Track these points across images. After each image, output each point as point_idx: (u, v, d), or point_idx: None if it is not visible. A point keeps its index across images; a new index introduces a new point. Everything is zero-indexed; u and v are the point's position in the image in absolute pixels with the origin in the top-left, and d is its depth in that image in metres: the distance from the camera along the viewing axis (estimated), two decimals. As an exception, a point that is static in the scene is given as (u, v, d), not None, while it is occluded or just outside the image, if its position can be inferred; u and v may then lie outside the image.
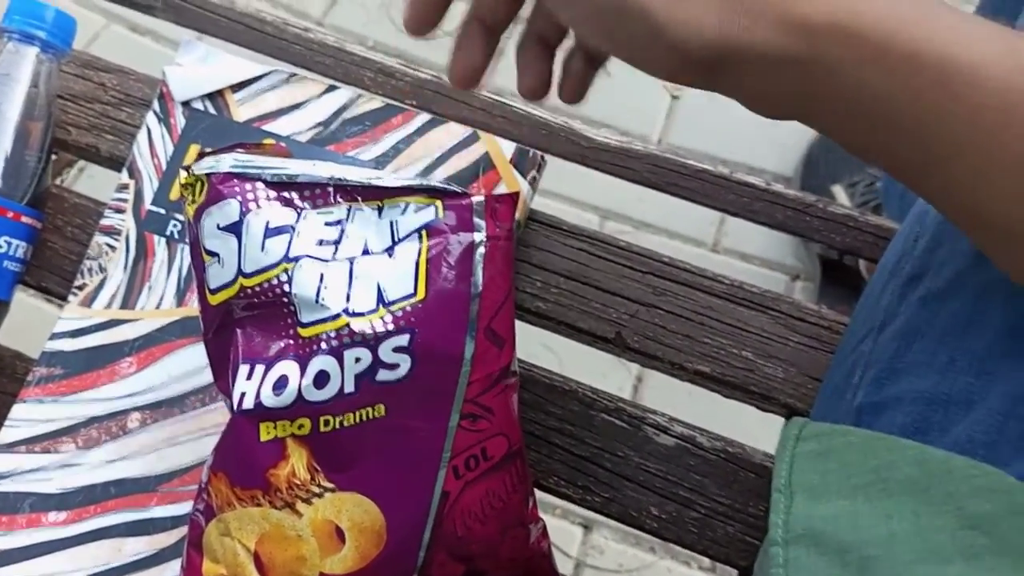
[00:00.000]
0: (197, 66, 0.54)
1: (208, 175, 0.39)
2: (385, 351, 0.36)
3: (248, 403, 0.36)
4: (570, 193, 1.09)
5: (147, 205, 0.51)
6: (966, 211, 0.30)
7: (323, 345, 0.36)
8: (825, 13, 0.28)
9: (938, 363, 0.34)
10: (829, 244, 0.56)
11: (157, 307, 0.49)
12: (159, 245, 0.50)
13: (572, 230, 0.54)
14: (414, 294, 0.37)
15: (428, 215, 0.39)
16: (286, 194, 0.39)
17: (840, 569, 0.28)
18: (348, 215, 0.39)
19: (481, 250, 0.39)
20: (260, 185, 0.39)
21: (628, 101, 1.12)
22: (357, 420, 0.37)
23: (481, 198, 0.39)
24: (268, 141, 0.44)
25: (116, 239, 0.51)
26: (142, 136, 0.53)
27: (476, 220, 0.39)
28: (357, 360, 0.36)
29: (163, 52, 1.18)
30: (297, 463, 0.37)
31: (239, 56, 0.55)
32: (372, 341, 0.36)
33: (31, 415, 0.48)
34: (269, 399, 0.36)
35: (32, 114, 0.52)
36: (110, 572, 0.44)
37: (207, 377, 0.48)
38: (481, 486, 0.39)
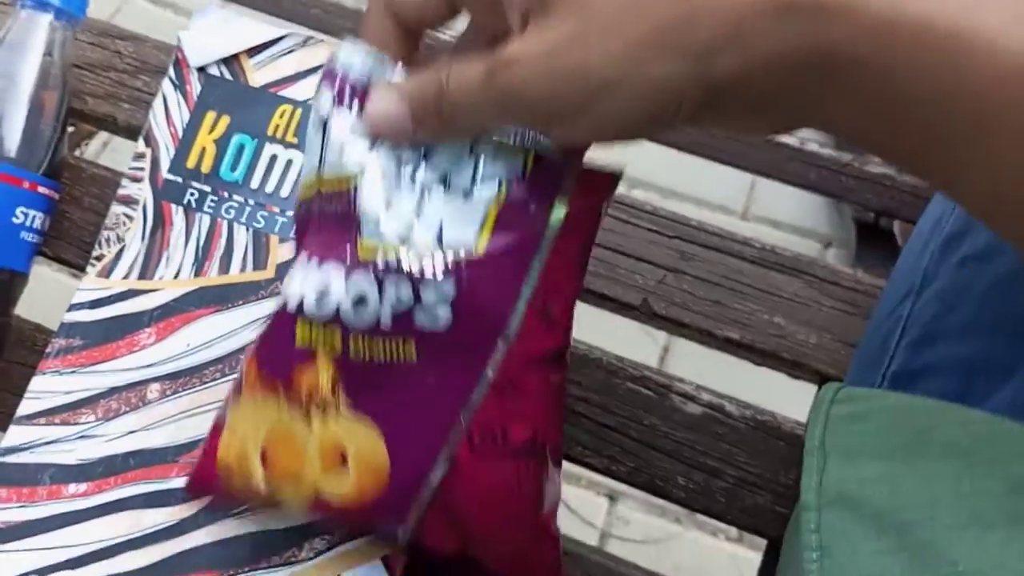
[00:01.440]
0: (212, 31, 0.53)
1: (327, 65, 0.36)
2: (428, 294, 0.34)
3: (293, 304, 0.36)
4: (597, 160, 1.08)
5: (164, 174, 0.50)
6: (990, 202, 0.27)
7: (369, 268, 0.35)
8: None
9: (979, 327, 0.32)
10: (864, 205, 0.54)
11: (175, 277, 0.48)
12: (176, 214, 0.49)
13: (596, 194, 0.52)
14: (473, 246, 0.35)
15: (516, 165, 0.36)
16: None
17: (877, 534, 0.26)
18: (433, 152, 0.36)
19: (558, 223, 0.35)
20: (360, 85, 0.36)
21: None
22: (386, 356, 0.35)
23: (578, 166, 0.36)
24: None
25: (133, 209, 0.50)
26: (158, 104, 0.52)
27: (563, 187, 0.35)
28: (398, 295, 0.35)
29: (182, 23, 1.17)
30: (323, 376, 0.36)
31: (256, 21, 0.54)
32: (417, 280, 0.34)
33: (51, 387, 0.47)
34: (311, 306, 0.35)
35: (47, 83, 0.51)
36: (130, 543, 0.44)
37: (226, 347, 0.47)
38: (495, 468, 0.37)
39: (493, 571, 0.39)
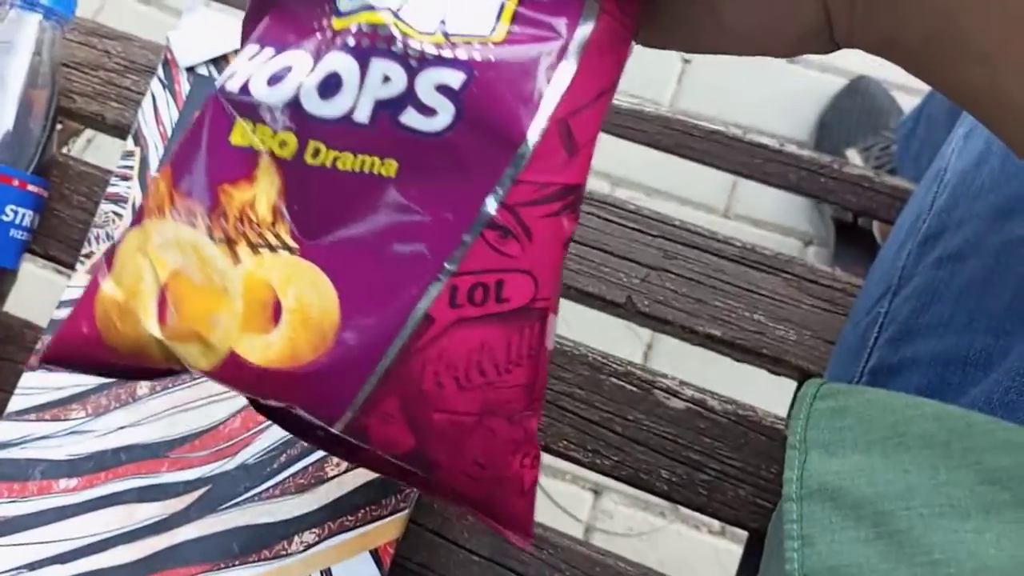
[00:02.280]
0: (201, 32, 0.53)
1: None
2: (425, 84, 0.26)
3: (233, 85, 0.27)
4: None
5: (153, 172, 0.51)
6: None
7: (349, 40, 0.26)
8: None
9: (956, 324, 0.33)
10: (843, 205, 0.55)
11: (164, 274, 0.49)
12: (165, 212, 0.50)
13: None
14: (489, 35, 0.27)
15: None
16: None
17: (855, 523, 0.27)
18: None
19: (589, 24, 0.28)
20: None
21: (638, 66, 1.11)
22: (356, 167, 0.27)
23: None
24: None
25: (122, 206, 0.50)
26: (147, 103, 0.52)
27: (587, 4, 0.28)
28: (385, 79, 0.26)
29: (168, 21, 1.17)
30: (261, 193, 0.27)
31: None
32: (414, 61, 0.26)
33: (41, 383, 0.48)
34: (259, 88, 0.27)
35: (36, 82, 0.51)
36: (122, 536, 0.44)
37: (216, 344, 0.47)
38: (477, 333, 0.27)
39: (445, 487, 0.30)
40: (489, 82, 0.26)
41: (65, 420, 0.47)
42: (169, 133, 0.51)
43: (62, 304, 0.49)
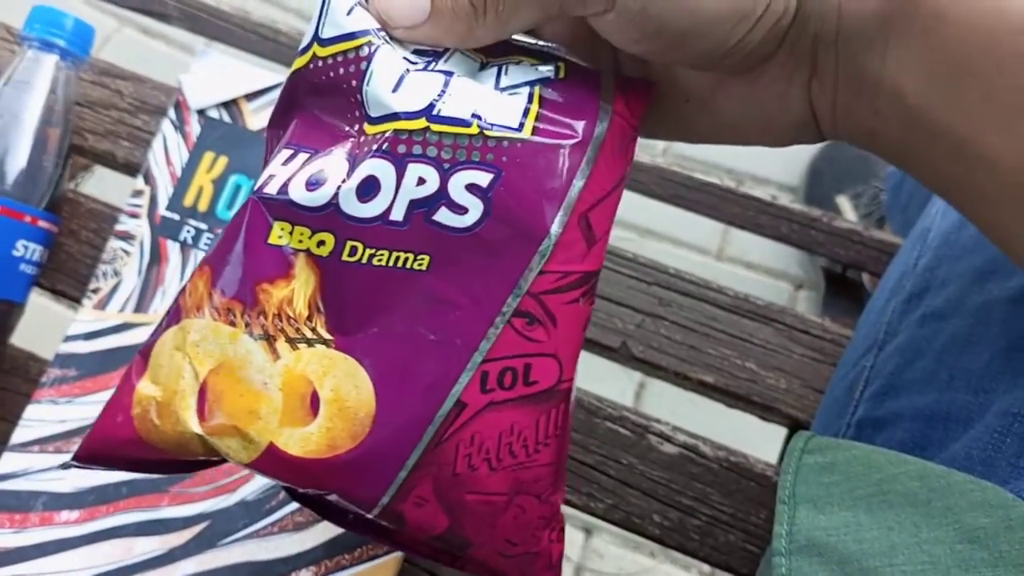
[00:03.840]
0: (212, 75, 0.55)
1: None
2: (457, 185, 0.28)
3: (271, 188, 0.28)
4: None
5: (161, 211, 0.52)
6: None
7: (385, 146, 0.28)
8: None
9: (937, 381, 0.34)
10: (833, 258, 0.57)
11: (170, 311, 0.50)
12: (173, 250, 0.51)
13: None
14: (518, 130, 0.28)
15: (547, 71, 0.30)
16: None
17: None
18: (447, 53, 0.30)
19: (603, 125, 0.30)
20: None
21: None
22: (391, 263, 0.28)
23: (612, 73, 0.31)
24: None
25: (131, 244, 0.52)
26: (158, 143, 0.53)
27: (603, 91, 0.30)
28: (420, 181, 0.28)
29: (175, 56, 1.19)
30: (299, 290, 0.29)
31: (254, 65, 0.56)
32: (447, 165, 0.28)
33: (45, 415, 0.49)
34: (298, 192, 0.28)
35: (50, 120, 0.52)
36: (121, 571, 0.45)
37: (219, 381, 0.48)
38: (507, 415, 0.29)
39: (478, 564, 0.32)
40: (515, 181, 0.28)
41: (68, 453, 0.48)
42: (179, 173, 0.53)
43: (68, 338, 0.50)
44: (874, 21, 0.27)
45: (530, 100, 0.29)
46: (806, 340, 0.53)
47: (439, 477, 0.29)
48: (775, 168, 1.15)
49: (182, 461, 0.31)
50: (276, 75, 0.55)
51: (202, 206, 0.52)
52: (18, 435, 0.48)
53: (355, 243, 0.28)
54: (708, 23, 0.27)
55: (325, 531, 0.45)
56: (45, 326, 0.54)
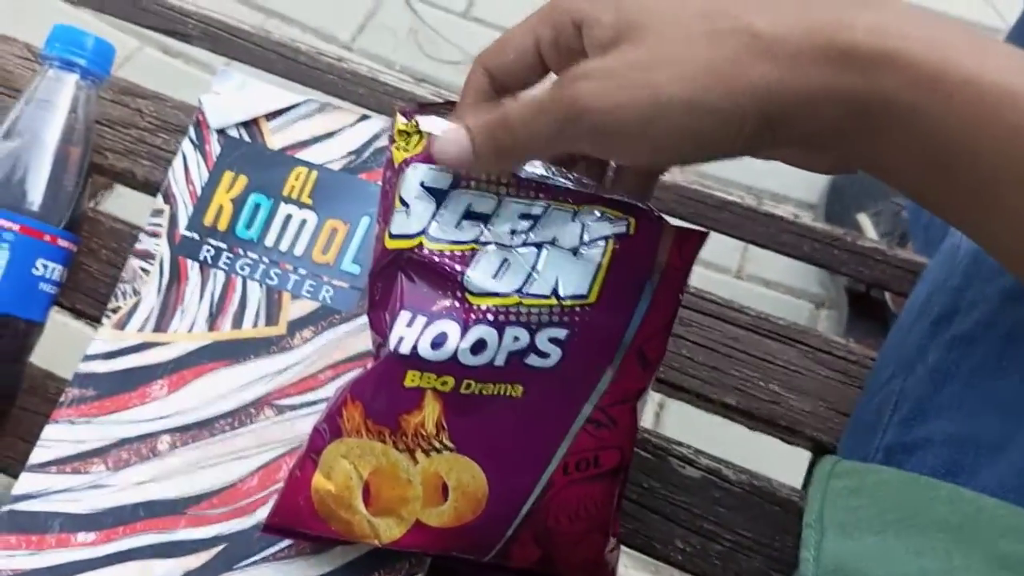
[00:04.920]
0: (232, 95, 0.55)
1: (432, 135, 0.39)
2: (542, 339, 0.38)
3: (405, 348, 0.38)
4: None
5: (181, 230, 0.52)
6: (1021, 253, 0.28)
7: (489, 316, 0.38)
8: (873, 41, 0.27)
9: (967, 406, 0.33)
10: (857, 277, 0.56)
11: (189, 331, 0.50)
12: (192, 270, 0.51)
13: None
14: (586, 296, 0.39)
15: (620, 228, 0.39)
16: (495, 178, 0.40)
17: None
18: (545, 211, 0.40)
19: (657, 275, 0.40)
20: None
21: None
22: (495, 392, 0.39)
23: (673, 226, 0.40)
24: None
25: (150, 263, 0.51)
26: (178, 162, 0.53)
27: (662, 246, 0.40)
28: (516, 339, 0.38)
29: (195, 74, 1.20)
30: (429, 416, 0.39)
31: (273, 85, 0.56)
32: (534, 326, 0.38)
33: (63, 436, 0.48)
34: (426, 351, 0.38)
35: (71, 139, 0.53)
36: (137, 594, 0.44)
37: (237, 400, 0.48)
38: (583, 488, 0.41)
39: (563, 574, 0.44)
40: (584, 333, 0.39)
41: (86, 474, 0.47)
42: (199, 192, 0.53)
43: (87, 358, 0.50)
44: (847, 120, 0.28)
45: (603, 255, 0.39)
46: (830, 361, 0.52)
47: (535, 530, 0.41)
48: (795, 186, 1.15)
49: (344, 539, 0.42)
50: (296, 95, 0.55)
51: (222, 225, 0.52)
52: (36, 455, 0.48)
53: (469, 380, 0.39)
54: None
55: (343, 554, 0.45)
56: (64, 345, 0.54)
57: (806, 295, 1.10)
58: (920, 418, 0.36)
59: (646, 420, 0.99)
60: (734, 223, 0.57)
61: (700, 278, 0.53)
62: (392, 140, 0.40)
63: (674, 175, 0.59)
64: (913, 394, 0.37)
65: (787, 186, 1.14)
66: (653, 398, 1.00)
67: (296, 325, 0.49)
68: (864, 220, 1.04)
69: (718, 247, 1.12)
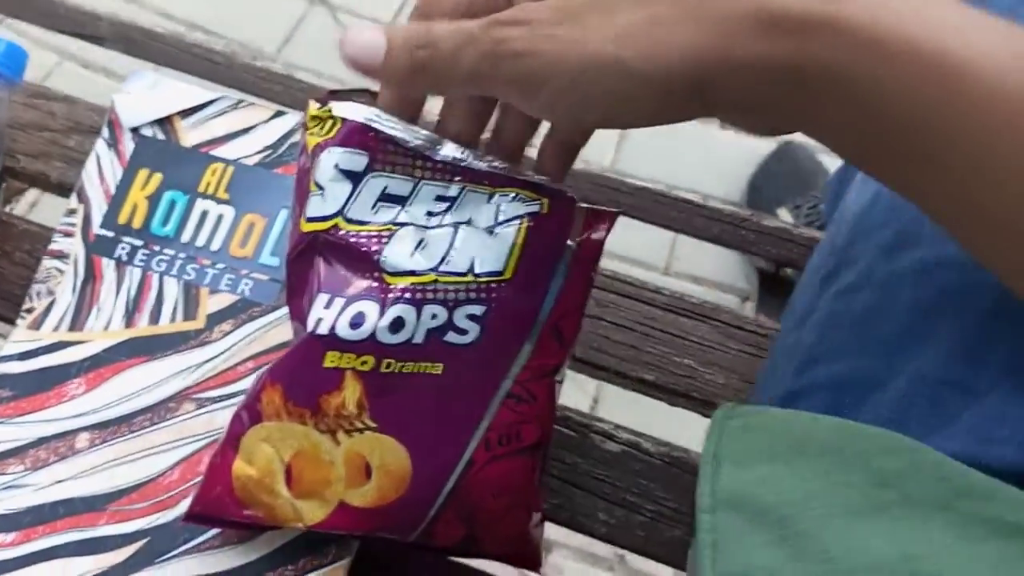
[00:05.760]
0: (145, 93, 0.55)
1: (345, 119, 0.39)
2: (460, 316, 0.39)
3: (323, 329, 0.38)
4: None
5: (95, 229, 0.52)
6: (963, 215, 0.28)
7: (407, 295, 0.39)
8: (804, 7, 0.26)
9: (851, 350, 0.35)
10: (765, 256, 0.58)
11: (105, 328, 0.49)
12: (107, 268, 0.51)
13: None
14: (502, 273, 0.40)
15: (534, 207, 0.40)
16: (411, 161, 0.40)
17: (762, 528, 0.29)
18: (461, 193, 0.40)
19: (570, 254, 0.41)
20: (391, 147, 0.39)
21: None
22: (415, 370, 0.40)
23: (585, 206, 0.42)
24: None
25: (65, 263, 0.51)
26: (91, 162, 0.53)
27: (574, 225, 0.41)
28: (433, 316, 0.39)
29: (115, 87, 1.19)
30: (349, 396, 0.39)
31: (188, 84, 0.56)
32: (452, 304, 0.39)
33: (-22, 439, 0.48)
34: (344, 331, 0.38)
35: (-20, 142, 0.52)
36: (58, 592, 0.44)
37: (156, 396, 0.48)
38: (505, 464, 0.42)
39: (489, 552, 0.44)
40: (501, 309, 0.40)
41: (3, 475, 0.47)
42: (113, 191, 0.52)
43: (2, 359, 0.49)
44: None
45: (517, 234, 0.40)
46: (741, 336, 0.54)
47: (458, 507, 0.42)
48: (714, 184, 1.18)
49: (267, 525, 0.42)
50: (209, 92, 0.55)
51: (137, 223, 0.52)
52: (-50, 459, 0.47)
53: (389, 359, 0.39)
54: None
55: (268, 542, 0.45)
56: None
57: (732, 289, 1.13)
58: (809, 365, 0.37)
59: (581, 405, 1.01)
60: (647, 208, 0.59)
61: (629, 273, 0.55)
62: (305, 127, 0.41)
63: (589, 166, 0.61)
64: (804, 344, 0.39)
65: (707, 185, 1.17)
66: (587, 391, 1.02)
67: (215, 319, 0.49)
68: (784, 213, 1.07)
69: (646, 243, 1.15)
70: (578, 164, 0.59)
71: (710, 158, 1.19)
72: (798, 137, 1.14)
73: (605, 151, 1.21)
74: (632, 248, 1.12)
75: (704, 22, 0.27)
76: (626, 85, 0.29)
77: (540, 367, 0.42)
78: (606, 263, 0.54)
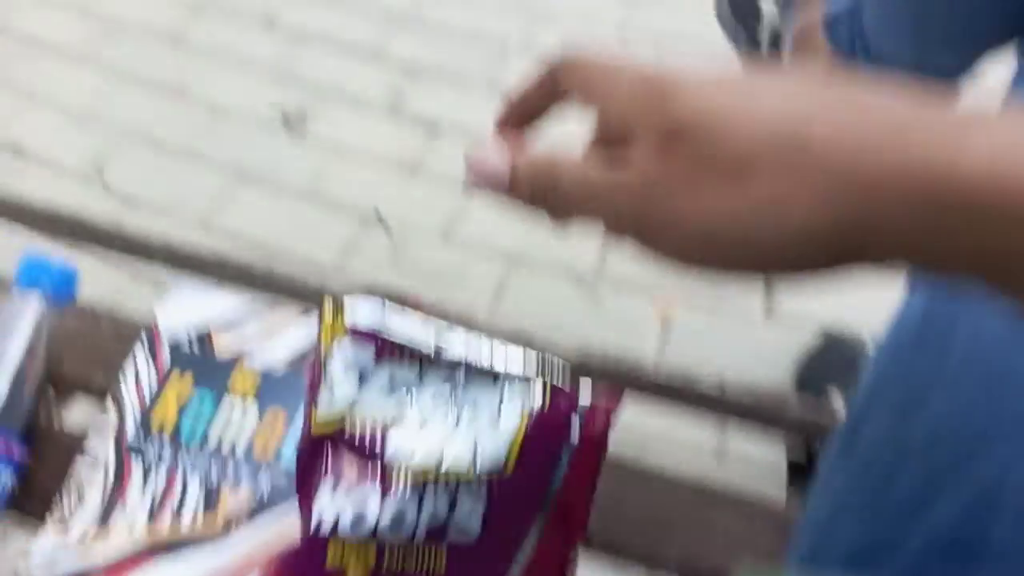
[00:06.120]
0: (185, 306, 0.59)
1: (355, 321, 0.42)
2: (462, 510, 0.40)
3: (326, 525, 0.40)
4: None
5: (128, 432, 0.54)
6: None
7: (408, 489, 0.39)
8: (985, 165, 0.22)
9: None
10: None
11: (130, 530, 0.50)
12: (136, 470, 0.52)
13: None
14: (503, 469, 0.40)
15: (536, 401, 0.42)
16: (414, 360, 0.42)
17: None
18: (464, 382, 0.42)
19: (571, 449, 0.42)
20: (389, 345, 0.42)
21: (620, 326, 1.16)
22: (417, 568, 0.41)
23: (586, 402, 0.43)
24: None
25: (96, 464, 0.53)
26: (129, 369, 0.56)
27: (574, 421, 0.42)
28: (434, 509, 0.40)
29: (157, 293, 1.24)
30: None
31: (225, 294, 0.60)
32: (453, 496, 0.40)
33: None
34: (347, 526, 0.39)
35: (32, 355, 0.56)
36: None
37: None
38: None
39: None
40: (502, 504, 0.41)
41: None
42: (148, 399, 0.55)
43: (31, 558, 0.50)
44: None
45: (517, 432, 0.40)
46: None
47: None
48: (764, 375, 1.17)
49: None
50: (245, 301, 0.58)
51: (168, 429, 0.54)
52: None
53: (391, 558, 0.40)
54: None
55: None
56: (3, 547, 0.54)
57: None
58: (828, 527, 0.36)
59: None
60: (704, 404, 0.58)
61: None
62: (320, 321, 0.43)
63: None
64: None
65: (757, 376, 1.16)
66: None
67: (234, 517, 0.50)
68: (833, 392, 1.05)
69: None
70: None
71: (757, 348, 1.18)
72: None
73: (647, 342, 1.21)
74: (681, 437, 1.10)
75: (870, 201, 0.24)
76: (769, 243, 0.25)
77: (548, 552, 0.42)
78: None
